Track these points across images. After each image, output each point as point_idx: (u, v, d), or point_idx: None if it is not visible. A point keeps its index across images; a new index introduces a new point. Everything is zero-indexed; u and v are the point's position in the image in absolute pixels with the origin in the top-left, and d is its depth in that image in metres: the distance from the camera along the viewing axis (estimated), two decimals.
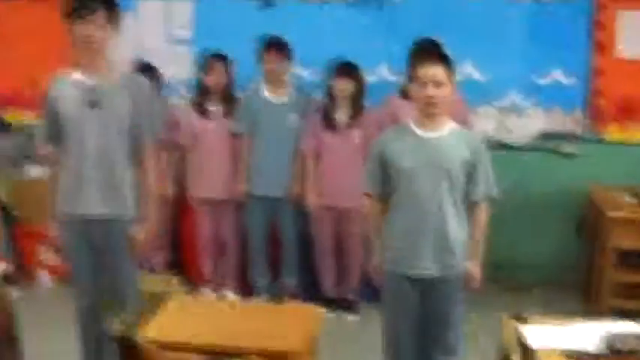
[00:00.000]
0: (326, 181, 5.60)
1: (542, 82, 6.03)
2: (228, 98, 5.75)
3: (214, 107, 5.75)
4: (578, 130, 6.04)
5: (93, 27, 3.80)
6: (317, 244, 5.78)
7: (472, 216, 3.86)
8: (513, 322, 3.41)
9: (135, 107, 3.98)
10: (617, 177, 5.88)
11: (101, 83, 3.92)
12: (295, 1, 6.19)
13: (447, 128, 3.78)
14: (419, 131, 3.77)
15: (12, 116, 6.77)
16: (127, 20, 6.19)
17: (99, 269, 4.12)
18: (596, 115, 6.01)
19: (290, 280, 5.88)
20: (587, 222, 5.82)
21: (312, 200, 5.62)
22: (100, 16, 3.82)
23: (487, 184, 3.83)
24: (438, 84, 3.65)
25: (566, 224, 6.10)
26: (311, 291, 5.78)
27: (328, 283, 5.80)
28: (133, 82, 4.08)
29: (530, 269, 6.15)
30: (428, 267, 3.75)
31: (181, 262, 6.21)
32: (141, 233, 4.08)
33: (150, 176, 4.12)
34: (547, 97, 6.04)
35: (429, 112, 3.71)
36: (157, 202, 4.23)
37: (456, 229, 3.76)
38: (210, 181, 5.77)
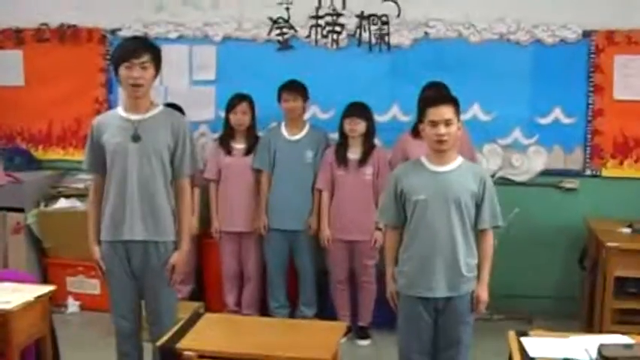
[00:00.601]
0: (338, 216, 5.84)
1: (543, 121, 6.25)
2: (250, 136, 6.04)
3: (238, 145, 6.04)
4: (578, 167, 6.27)
5: (139, 70, 4.10)
6: (332, 276, 5.99)
7: (480, 243, 4.14)
8: (517, 336, 3.65)
9: (174, 141, 4.25)
10: (614, 210, 6.09)
11: (143, 118, 4.22)
12: (311, 45, 6.48)
13: (456, 163, 4.08)
14: (431, 166, 4.07)
15: (41, 153, 7.11)
16: None
17: (138, 293, 4.34)
18: (594, 153, 6.23)
19: (308, 311, 6.07)
20: (589, 253, 5.99)
21: (325, 233, 5.86)
22: (145, 59, 4.11)
23: (493, 213, 4.09)
24: (447, 123, 3.96)
25: (568, 256, 6.29)
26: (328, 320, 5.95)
27: (343, 312, 5.98)
28: (172, 117, 4.35)
29: (533, 300, 6.32)
30: (440, 288, 4.01)
31: (203, 294, 6.41)
32: (176, 260, 4.30)
33: (185, 206, 4.37)
34: (548, 135, 6.26)
35: (440, 148, 4.01)
36: (189, 232, 4.48)
37: (465, 254, 4.02)
38: (232, 214, 6.01)
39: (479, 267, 4.12)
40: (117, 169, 4.20)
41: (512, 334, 3.68)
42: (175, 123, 4.30)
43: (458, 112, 4.06)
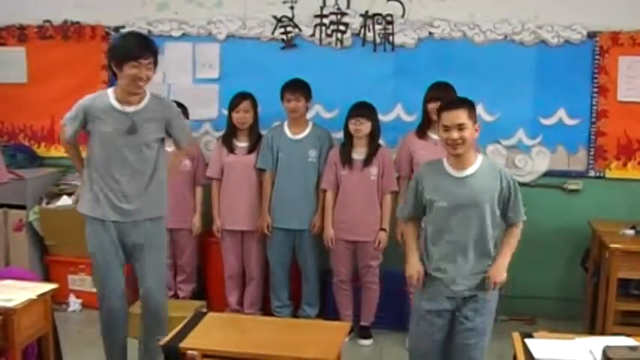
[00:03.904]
0: (343, 216, 5.81)
1: (547, 122, 6.23)
2: (253, 135, 6.03)
3: (241, 143, 6.04)
4: (582, 168, 6.26)
5: (144, 69, 4.40)
6: (335, 276, 5.95)
7: (506, 235, 4.19)
8: (521, 337, 3.64)
9: (167, 122, 4.66)
10: (617, 211, 6.10)
11: (136, 110, 4.53)
12: (315, 44, 6.45)
13: (476, 165, 4.06)
14: (452, 170, 4.07)
15: (44, 150, 7.09)
16: None
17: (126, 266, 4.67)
18: (598, 154, 6.21)
19: (310, 310, 6.07)
20: (592, 255, 5.99)
21: (329, 233, 5.84)
22: (151, 60, 4.43)
23: (517, 209, 4.14)
24: (460, 127, 3.94)
25: (571, 257, 6.29)
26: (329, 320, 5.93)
27: (346, 312, 5.96)
28: (161, 105, 4.71)
29: (536, 301, 6.31)
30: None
31: (205, 293, 6.40)
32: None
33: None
34: (552, 136, 6.24)
35: (454, 152, 4.00)
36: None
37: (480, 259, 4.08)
38: (235, 213, 6.00)
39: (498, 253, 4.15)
40: (112, 157, 4.53)
41: (516, 335, 3.67)
42: (165, 108, 4.73)
43: (473, 114, 4.03)
